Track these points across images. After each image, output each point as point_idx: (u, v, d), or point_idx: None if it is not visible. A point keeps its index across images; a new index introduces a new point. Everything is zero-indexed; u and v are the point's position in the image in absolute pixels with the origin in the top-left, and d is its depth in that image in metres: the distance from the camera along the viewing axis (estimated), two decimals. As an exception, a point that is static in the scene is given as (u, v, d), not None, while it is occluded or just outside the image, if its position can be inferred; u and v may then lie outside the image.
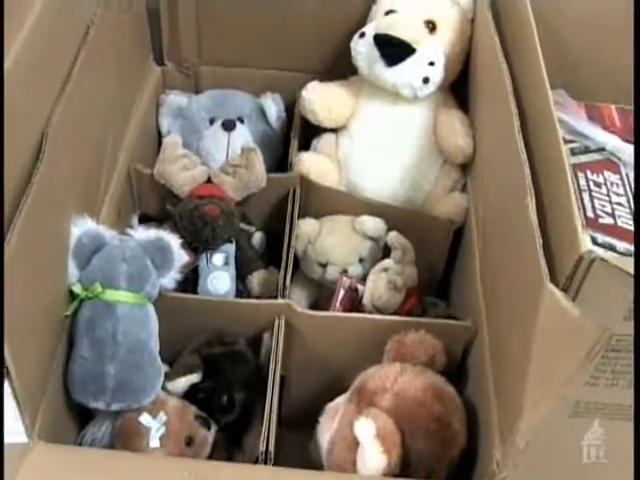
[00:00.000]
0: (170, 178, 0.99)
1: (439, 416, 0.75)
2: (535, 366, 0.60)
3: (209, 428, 0.84)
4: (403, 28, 0.96)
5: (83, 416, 0.82)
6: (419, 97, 0.98)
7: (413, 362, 0.80)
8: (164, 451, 0.79)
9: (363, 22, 1.03)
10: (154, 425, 0.79)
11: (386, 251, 0.98)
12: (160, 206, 1.02)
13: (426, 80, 0.96)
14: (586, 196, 0.81)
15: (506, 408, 0.68)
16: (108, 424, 0.80)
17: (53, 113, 0.73)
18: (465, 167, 1.01)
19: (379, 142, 1.02)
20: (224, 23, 1.11)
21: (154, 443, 0.79)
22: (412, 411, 0.74)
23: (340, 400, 0.81)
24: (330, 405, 0.82)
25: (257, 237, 1.05)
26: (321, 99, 1.02)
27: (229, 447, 0.87)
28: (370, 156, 1.02)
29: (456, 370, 0.86)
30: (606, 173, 0.85)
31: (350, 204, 1.01)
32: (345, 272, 0.98)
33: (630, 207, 0.81)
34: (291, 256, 0.92)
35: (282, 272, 0.90)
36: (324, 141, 1.05)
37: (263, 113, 1.12)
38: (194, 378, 0.85)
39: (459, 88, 1.03)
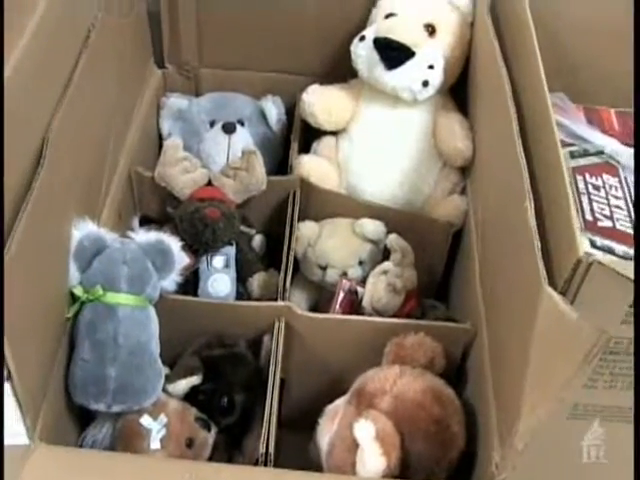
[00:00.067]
0: (171, 181, 0.99)
1: (438, 418, 0.75)
2: (533, 369, 0.60)
3: (209, 430, 0.84)
4: (403, 31, 0.96)
5: (84, 418, 0.82)
6: (419, 100, 0.98)
7: (412, 364, 0.80)
8: (165, 453, 0.79)
9: (363, 25, 1.03)
10: (155, 427, 0.80)
11: (386, 254, 0.98)
12: (161, 208, 1.03)
13: (426, 83, 0.96)
14: (585, 199, 0.81)
15: (505, 410, 0.69)
16: (109, 426, 0.81)
17: (54, 117, 0.73)
18: (464, 170, 1.01)
19: (379, 145, 1.02)
20: (224, 26, 1.11)
21: (155, 445, 0.79)
22: (411, 413, 0.75)
23: (340, 402, 0.81)
24: (330, 407, 0.82)
25: (257, 240, 1.05)
26: (321, 102, 1.02)
27: (229, 449, 0.87)
28: (370, 159, 1.02)
29: (455, 372, 0.86)
30: (605, 176, 0.85)
31: (350, 207, 1.01)
32: (345, 275, 0.98)
33: (629, 210, 0.81)
34: (291, 259, 0.92)
35: (282, 274, 0.90)
36: (324, 144, 1.06)
37: (263, 116, 1.12)
38: (194, 380, 0.85)
39: (459, 91, 1.04)
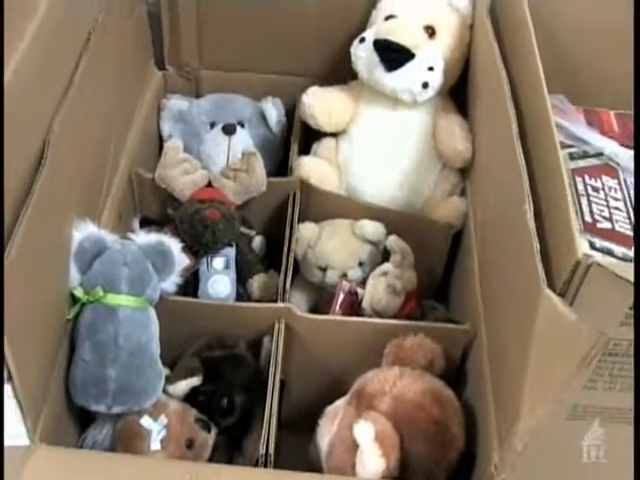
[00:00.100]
0: (171, 182, 0.99)
1: (438, 419, 0.75)
2: (532, 370, 0.61)
3: (209, 431, 0.84)
4: (403, 33, 0.96)
5: (84, 419, 0.82)
6: (418, 102, 0.98)
7: (412, 366, 0.80)
8: (165, 454, 0.80)
9: (363, 27, 1.03)
10: (155, 428, 0.80)
11: (385, 255, 0.98)
12: (161, 210, 1.03)
13: (425, 85, 0.96)
14: (584, 201, 0.81)
15: (504, 411, 0.69)
16: (109, 427, 0.81)
17: (55, 119, 0.73)
18: (464, 171, 1.01)
19: (379, 146, 1.02)
20: (225, 27, 1.12)
21: (155, 446, 0.79)
22: (411, 414, 0.75)
23: (339, 403, 0.82)
24: (329, 408, 0.82)
25: (257, 241, 1.05)
26: (321, 104, 1.02)
27: (229, 450, 0.87)
28: (370, 160, 1.03)
29: (455, 373, 0.87)
30: (604, 178, 0.85)
31: (350, 208, 1.02)
32: (345, 276, 0.98)
33: (628, 212, 0.81)
34: (291, 260, 0.92)
35: (282, 276, 0.90)
36: (324, 145, 1.06)
37: (263, 117, 1.12)
38: (194, 381, 0.85)
39: (458, 93, 1.04)
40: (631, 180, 0.86)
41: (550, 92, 0.72)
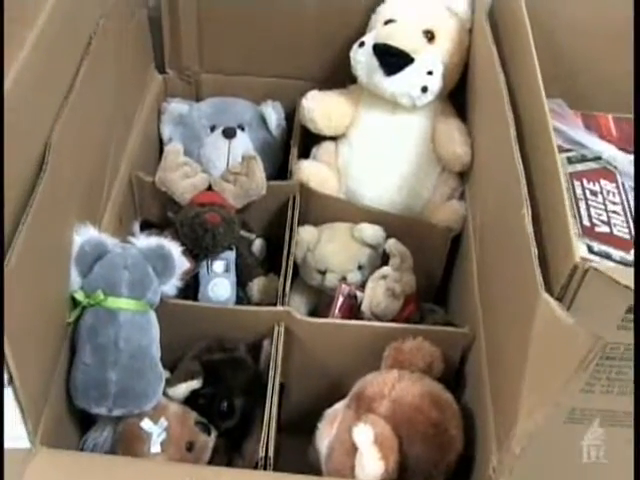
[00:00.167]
0: (171, 186, 0.99)
1: (436, 422, 0.75)
2: (530, 373, 0.61)
3: (209, 434, 0.84)
4: (402, 38, 0.97)
5: (85, 421, 0.83)
6: (418, 106, 0.98)
7: (411, 369, 0.81)
8: (165, 456, 0.80)
9: (362, 31, 1.04)
10: (155, 430, 0.80)
11: (385, 258, 0.98)
12: (161, 213, 1.03)
13: (424, 89, 0.97)
14: (582, 205, 0.81)
15: (502, 414, 0.69)
16: (110, 429, 0.81)
17: (56, 122, 0.73)
18: (463, 175, 1.02)
19: (378, 150, 1.02)
20: (225, 31, 1.12)
21: (155, 448, 0.80)
22: (409, 417, 0.75)
23: (339, 406, 0.82)
24: (329, 411, 0.82)
25: (257, 244, 1.05)
26: (321, 108, 1.03)
27: (229, 452, 0.87)
28: (369, 164, 1.03)
29: (454, 376, 0.87)
30: (602, 182, 0.86)
31: (349, 212, 1.02)
32: (344, 279, 0.98)
33: (626, 216, 0.81)
34: (291, 263, 0.93)
35: (282, 279, 0.90)
36: (324, 149, 1.06)
37: (263, 121, 1.12)
38: (195, 384, 0.85)
39: (457, 97, 1.04)
40: (629, 184, 0.86)
41: (549, 96, 0.72)
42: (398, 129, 1.01)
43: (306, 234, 1.00)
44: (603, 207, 0.82)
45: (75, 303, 0.79)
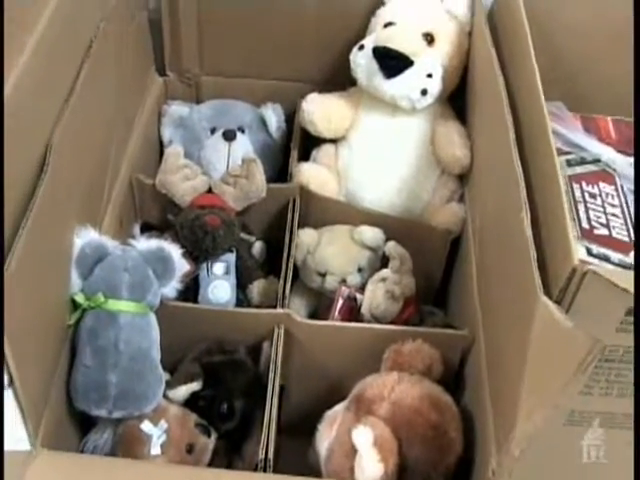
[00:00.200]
0: (171, 188, 1.00)
1: (436, 424, 0.75)
2: (529, 376, 0.61)
3: (209, 436, 0.84)
4: (402, 41, 0.97)
5: (85, 424, 0.83)
6: (417, 109, 0.99)
7: (410, 371, 0.81)
8: (165, 458, 0.80)
9: (362, 34, 1.04)
10: (155, 432, 0.80)
11: (384, 261, 0.98)
12: (161, 215, 1.03)
13: (424, 92, 0.97)
14: (581, 207, 0.81)
15: (502, 417, 0.69)
16: (110, 431, 0.81)
17: (57, 125, 0.74)
18: (462, 178, 1.02)
19: (378, 153, 1.02)
20: (225, 34, 1.12)
21: (155, 450, 0.80)
22: (409, 419, 0.75)
23: (338, 408, 0.82)
24: (329, 413, 0.82)
25: (257, 247, 1.05)
26: (321, 110, 1.03)
27: (229, 454, 0.87)
28: (369, 167, 1.03)
29: (453, 379, 0.87)
30: (601, 184, 0.86)
31: (349, 214, 1.02)
32: (344, 281, 0.99)
33: (625, 218, 0.81)
34: (291, 266, 0.93)
35: (282, 281, 0.90)
36: (324, 152, 1.06)
37: (263, 123, 1.13)
38: (195, 386, 0.85)
39: (457, 100, 1.04)
40: (628, 187, 0.86)
41: (548, 98, 0.72)
42: (398, 132, 1.02)
43: (306, 237, 1.00)
44: (602, 210, 0.82)
45: (75, 305, 0.79)
